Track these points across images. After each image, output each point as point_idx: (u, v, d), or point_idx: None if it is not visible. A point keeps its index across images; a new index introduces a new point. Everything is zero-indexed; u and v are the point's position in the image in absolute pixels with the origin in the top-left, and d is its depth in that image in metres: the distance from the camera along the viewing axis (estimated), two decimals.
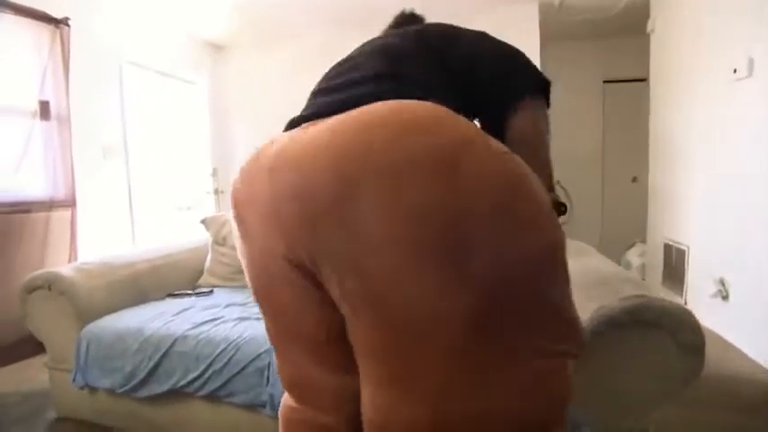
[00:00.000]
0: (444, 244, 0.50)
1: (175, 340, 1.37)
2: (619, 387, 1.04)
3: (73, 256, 2.47)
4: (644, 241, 3.06)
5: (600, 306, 1.02)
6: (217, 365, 1.30)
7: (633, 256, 2.99)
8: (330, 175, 0.52)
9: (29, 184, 2.35)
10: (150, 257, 1.91)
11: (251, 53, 3.51)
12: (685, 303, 2.29)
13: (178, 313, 1.56)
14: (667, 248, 2.60)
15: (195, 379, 1.31)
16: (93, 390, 1.50)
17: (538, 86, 0.78)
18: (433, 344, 0.52)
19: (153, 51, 3.04)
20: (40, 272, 1.59)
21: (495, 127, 0.75)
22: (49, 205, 2.39)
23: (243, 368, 1.27)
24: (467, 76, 0.75)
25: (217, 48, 3.20)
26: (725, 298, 2.00)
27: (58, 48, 2.46)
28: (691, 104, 2.29)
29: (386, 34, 0.87)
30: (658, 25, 2.72)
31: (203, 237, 2.19)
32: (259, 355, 1.27)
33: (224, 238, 2.05)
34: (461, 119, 0.56)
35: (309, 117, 0.64)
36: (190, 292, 1.88)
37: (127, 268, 1.79)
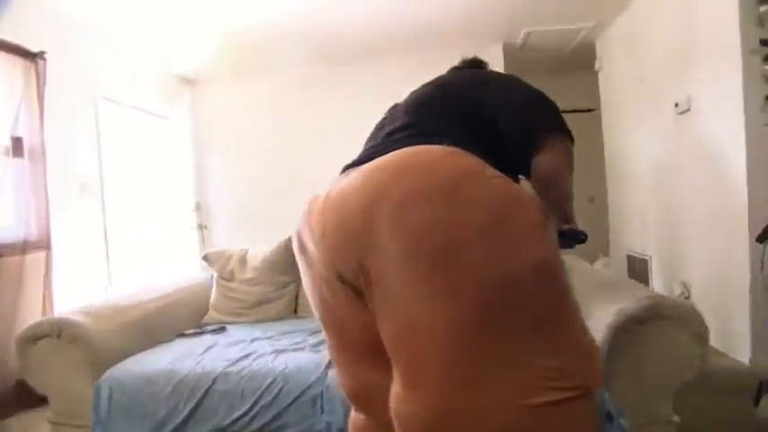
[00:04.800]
0: (439, 259, 0.59)
1: (216, 378, 1.33)
2: (644, 376, 1.19)
3: (48, 302, 2.26)
4: (606, 254, 3.38)
5: (620, 307, 1.17)
6: (265, 400, 1.28)
7: (599, 266, 3.29)
8: (358, 208, 0.66)
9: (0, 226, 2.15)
10: (154, 297, 1.83)
11: (229, 87, 3.51)
12: None
13: (205, 351, 1.51)
14: (631, 259, 2.91)
15: (241, 416, 1.28)
16: None
17: (559, 126, 0.86)
18: (430, 349, 0.60)
19: (129, 87, 2.95)
20: (44, 319, 1.48)
21: (519, 164, 0.85)
22: (23, 248, 2.19)
23: (295, 399, 1.26)
24: (492, 121, 0.85)
25: (194, 82, 3.17)
26: (687, 298, 2.28)
27: (33, 82, 2.32)
28: (639, 133, 2.66)
29: (432, 81, 1.00)
30: (605, 64, 3.15)
31: (197, 273, 2.13)
32: (310, 385, 1.27)
33: (231, 273, 2.01)
34: (465, 155, 0.68)
35: (355, 164, 0.80)
36: (201, 330, 1.81)
37: (135, 309, 1.70)
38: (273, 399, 1.27)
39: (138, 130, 3.04)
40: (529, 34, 3.14)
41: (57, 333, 1.43)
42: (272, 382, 1.29)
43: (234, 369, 1.35)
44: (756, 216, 1.72)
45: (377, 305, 0.67)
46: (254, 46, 3.13)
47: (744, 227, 1.84)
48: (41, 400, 2.10)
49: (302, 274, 0.84)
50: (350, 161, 0.87)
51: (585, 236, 0.83)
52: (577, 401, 0.60)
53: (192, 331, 1.80)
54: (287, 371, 1.31)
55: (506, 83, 0.92)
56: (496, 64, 3.43)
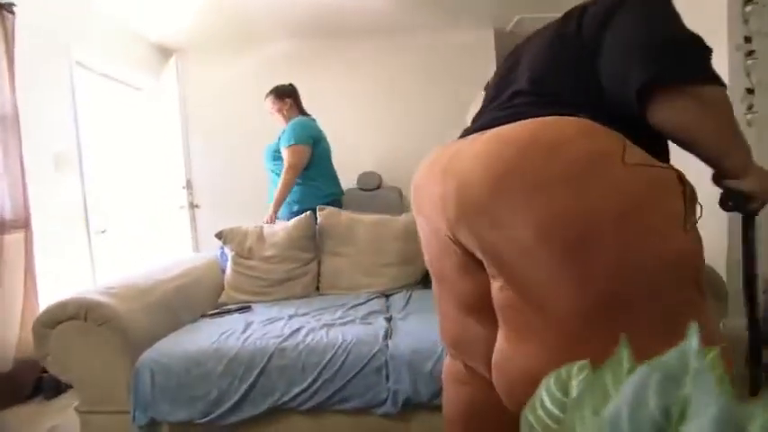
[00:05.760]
0: (570, 246, 0.59)
1: (271, 355, 1.28)
2: None
3: (30, 285, 2.05)
4: None
5: None
6: (328, 373, 1.25)
7: None
8: (483, 180, 0.65)
9: None
10: (171, 276, 1.71)
11: (216, 60, 3.28)
12: None
13: (246, 329, 1.44)
14: None
15: (302, 391, 1.25)
16: (153, 427, 1.30)
17: (661, 69, 0.63)
18: (548, 320, 0.63)
19: (105, 53, 2.68)
20: (66, 299, 1.33)
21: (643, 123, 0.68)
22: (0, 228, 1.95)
23: (360, 370, 1.25)
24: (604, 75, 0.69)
25: (179, 54, 2.93)
26: None
27: (1, 38, 2.04)
28: None
29: (560, 19, 0.78)
30: None
31: (195, 252, 2.01)
32: (374, 355, 1.27)
33: (250, 251, 1.92)
34: (601, 134, 0.61)
35: (477, 129, 0.76)
36: (226, 309, 1.73)
37: (157, 289, 1.58)
38: (337, 371, 1.25)
39: (118, 101, 2.78)
40: (520, 20, 3.21)
41: (83, 315, 1.31)
42: (333, 355, 1.27)
43: (289, 344, 1.31)
44: None
45: (497, 276, 0.69)
46: (238, 16, 2.95)
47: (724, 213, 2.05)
48: (35, 391, 1.93)
49: (419, 229, 0.88)
50: (468, 127, 0.84)
51: (747, 197, 0.70)
52: None
53: (216, 311, 1.71)
54: (348, 343, 1.29)
55: (625, 18, 0.67)
56: (488, 48, 3.48)
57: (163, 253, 2.84)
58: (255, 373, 1.26)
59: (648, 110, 0.64)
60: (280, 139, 2.22)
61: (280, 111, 2.32)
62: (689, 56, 0.64)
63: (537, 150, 0.62)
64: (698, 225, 0.65)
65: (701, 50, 0.64)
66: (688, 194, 0.61)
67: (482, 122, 0.78)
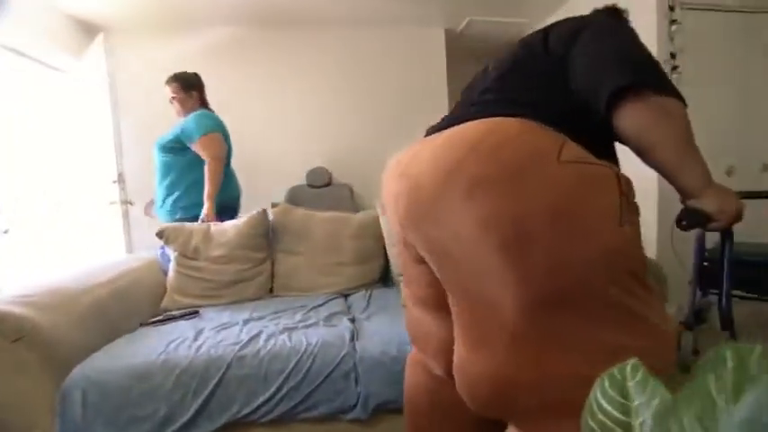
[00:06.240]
0: (508, 244, 0.60)
1: (229, 364, 1.17)
2: None
3: None
4: None
5: None
6: (293, 381, 1.17)
7: None
8: (429, 182, 0.68)
9: None
10: (104, 281, 1.51)
11: (151, 42, 2.97)
12: None
13: (197, 337, 1.31)
14: None
15: (265, 402, 1.15)
16: None
17: (634, 77, 0.67)
18: (496, 321, 0.63)
19: (18, 24, 2.30)
20: None
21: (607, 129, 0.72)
22: None
23: (327, 376, 1.18)
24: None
25: (107, 33, 2.60)
26: None
27: None
28: None
29: (539, 30, 0.84)
30: None
31: (127, 253, 1.81)
32: (342, 359, 1.20)
33: (196, 251, 1.75)
34: (541, 133, 0.65)
35: (438, 128, 0.79)
36: (169, 316, 1.56)
37: (87, 296, 1.39)
38: (303, 378, 1.17)
39: (32, 83, 2.41)
40: (471, 22, 3.29)
41: None
42: (298, 361, 1.19)
43: (248, 351, 1.20)
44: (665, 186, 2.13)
45: (444, 275, 0.72)
46: None
47: (653, 199, 2.28)
48: None
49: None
50: (430, 126, 0.86)
51: (706, 217, 0.70)
52: None
53: (158, 318, 1.53)
54: (313, 347, 1.22)
55: (593, 35, 0.74)
56: (438, 48, 3.53)
57: (90, 255, 2.52)
58: (211, 385, 1.14)
59: (615, 113, 0.69)
60: (182, 130, 2.00)
61: (182, 102, 2.11)
62: (657, 71, 0.71)
63: (481, 151, 0.64)
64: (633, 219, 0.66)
65: (663, 71, 0.71)
66: (624, 190, 0.62)
67: (441, 122, 0.83)
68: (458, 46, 3.60)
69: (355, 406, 1.19)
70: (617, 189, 0.62)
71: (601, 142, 0.71)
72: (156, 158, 2.08)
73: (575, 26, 0.78)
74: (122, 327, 1.44)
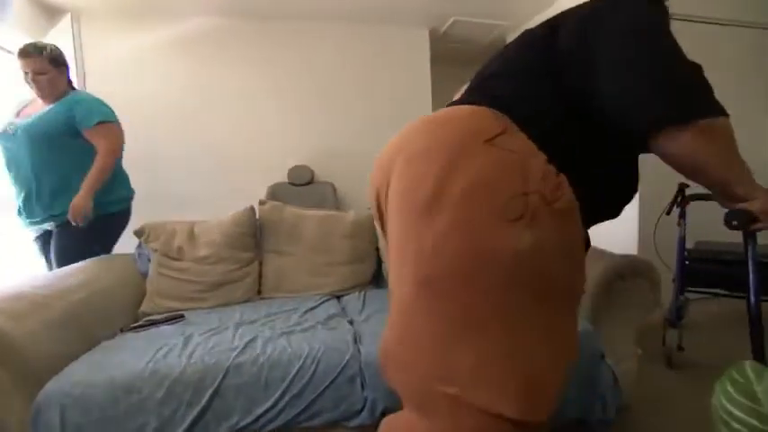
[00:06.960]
0: (418, 212, 0.62)
1: (226, 372, 1.09)
2: (624, 319, 1.44)
3: None
4: None
5: (605, 266, 1.38)
6: (296, 388, 1.10)
7: None
8: (385, 160, 0.74)
9: None
10: (76, 284, 1.38)
11: (125, 30, 2.78)
12: None
13: (186, 344, 1.21)
14: None
15: (266, 411, 1.08)
16: None
17: (680, 108, 0.63)
18: (398, 296, 0.67)
19: None
20: None
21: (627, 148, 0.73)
22: None
23: (332, 381, 1.12)
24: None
25: (75, 17, 2.40)
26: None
27: None
28: None
29: (547, 21, 0.79)
30: None
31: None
32: (347, 363, 1.15)
33: (179, 251, 1.64)
34: (485, 116, 0.67)
35: (452, 104, 0.82)
36: (152, 321, 1.44)
37: (60, 301, 1.26)
38: (306, 384, 1.10)
39: None
40: (455, 22, 3.29)
41: None
42: (301, 367, 1.12)
43: (246, 358, 1.12)
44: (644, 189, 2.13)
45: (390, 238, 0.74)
46: None
47: (634, 200, 2.33)
48: None
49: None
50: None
51: (752, 218, 0.70)
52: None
53: (139, 323, 1.42)
54: (316, 351, 1.15)
55: (623, 34, 0.66)
56: (422, 47, 3.50)
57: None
58: (207, 395, 1.06)
59: (657, 138, 0.64)
60: (73, 114, 1.68)
61: (53, 82, 1.71)
62: (701, 89, 0.64)
63: (424, 131, 0.70)
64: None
65: (708, 84, 0.65)
66: (533, 189, 0.60)
67: (458, 99, 0.83)
68: (442, 47, 3.60)
69: (361, 411, 1.14)
70: (520, 185, 0.59)
71: (593, 145, 0.69)
72: (26, 149, 1.66)
73: (595, 13, 0.70)
74: (100, 334, 1.32)
